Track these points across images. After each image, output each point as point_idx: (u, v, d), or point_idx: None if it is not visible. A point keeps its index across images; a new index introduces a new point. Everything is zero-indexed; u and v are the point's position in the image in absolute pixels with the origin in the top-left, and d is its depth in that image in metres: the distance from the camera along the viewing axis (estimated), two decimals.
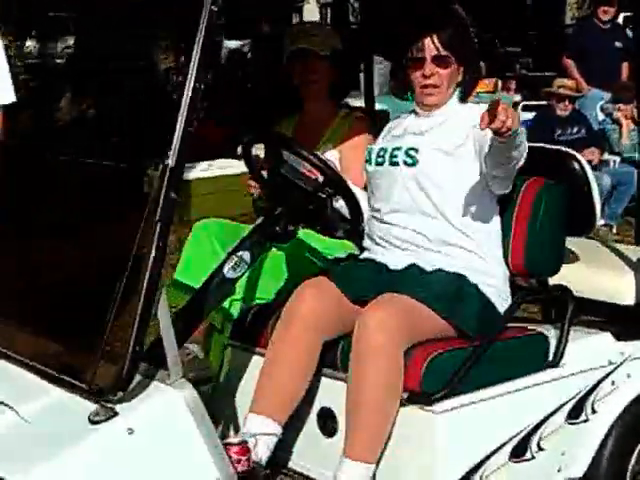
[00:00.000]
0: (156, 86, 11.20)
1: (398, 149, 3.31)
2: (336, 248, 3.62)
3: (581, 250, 3.75)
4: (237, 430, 3.23)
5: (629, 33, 9.18)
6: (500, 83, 10.54)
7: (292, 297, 3.12)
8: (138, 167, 2.76)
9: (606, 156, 8.51)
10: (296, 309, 3.08)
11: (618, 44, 9.22)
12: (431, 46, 3.25)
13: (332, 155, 3.73)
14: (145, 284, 2.35)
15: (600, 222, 7.81)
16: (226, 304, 3.55)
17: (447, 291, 3.07)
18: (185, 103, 2.36)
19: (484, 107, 3.13)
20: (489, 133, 2.88)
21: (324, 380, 3.17)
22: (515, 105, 9.61)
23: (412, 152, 3.26)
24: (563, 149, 3.56)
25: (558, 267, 3.35)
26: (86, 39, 11.77)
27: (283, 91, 3.95)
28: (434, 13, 3.37)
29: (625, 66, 9.32)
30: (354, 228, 3.07)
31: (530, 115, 8.79)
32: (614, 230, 8.16)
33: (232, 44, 17.84)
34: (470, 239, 3.22)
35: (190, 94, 2.36)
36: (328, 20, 22.84)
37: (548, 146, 3.59)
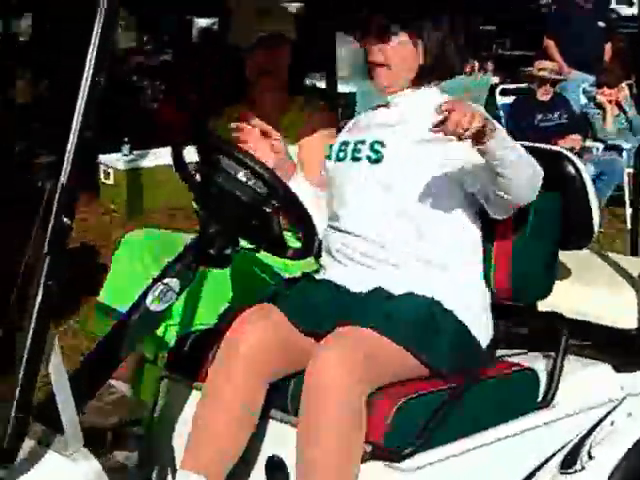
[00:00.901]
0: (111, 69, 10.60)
1: (362, 142, 2.82)
2: (294, 264, 3.11)
3: (571, 262, 3.26)
4: (174, 478, 2.73)
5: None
6: (477, 64, 10.01)
7: (232, 328, 2.61)
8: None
9: (588, 143, 8.03)
10: (235, 344, 2.57)
11: (601, 24, 8.75)
12: (380, 16, 2.76)
13: (290, 151, 3.22)
14: (31, 331, 1.83)
15: None
16: (160, 330, 3.04)
17: (417, 321, 2.56)
18: (80, 106, 1.82)
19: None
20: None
21: (272, 424, 2.67)
22: (493, 88, 9.08)
23: (377, 146, 2.77)
24: (555, 149, 3.05)
25: (549, 290, 2.86)
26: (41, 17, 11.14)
27: (235, 78, 3.44)
28: None
29: (608, 47, 8.88)
30: (306, 248, 2.54)
31: (509, 99, 8.30)
32: None
33: (202, 22, 17.21)
34: (445, 254, 2.71)
35: (86, 94, 1.82)
36: None
37: (538, 145, 3.07)
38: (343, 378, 2.39)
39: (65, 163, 1.84)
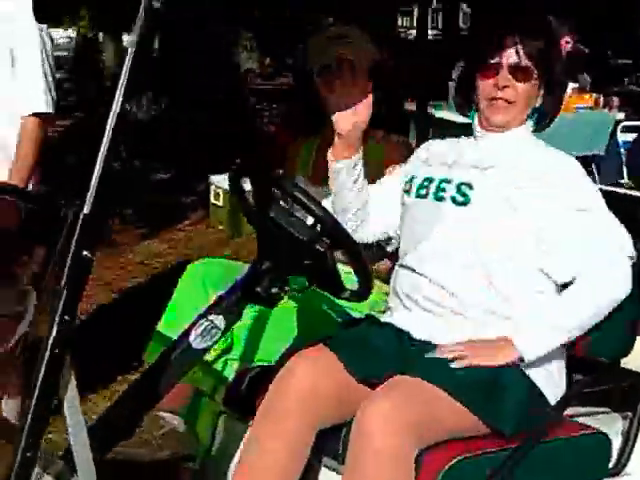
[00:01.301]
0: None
1: (448, 182, 2.66)
2: (363, 304, 2.97)
3: None
4: None
5: None
6: (602, 99, 9.68)
7: (284, 369, 2.50)
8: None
9: None
10: (285, 386, 2.46)
11: None
12: (512, 51, 2.60)
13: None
14: (41, 374, 1.75)
15: None
16: (219, 364, 2.95)
17: (480, 377, 2.40)
18: (107, 136, 1.75)
19: (560, 156, 2.64)
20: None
21: (324, 472, 2.55)
22: (617, 123, 8.77)
23: (465, 188, 2.62)
24: None
25: (628, 348, 2.65)
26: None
27: (307, 108, 3.30)
28: (524, 17, 2.76)
29: None
30: (362, 289, 2.40)
31: (631, 137, 7.97)
32: None
33: None
34: (518, 308, 2.55)
35: (114, 124, 1.75)
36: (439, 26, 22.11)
37: (624, 191, 2.88)
38: (391, 431, 2.25)
39: (89, 193, 1.77)
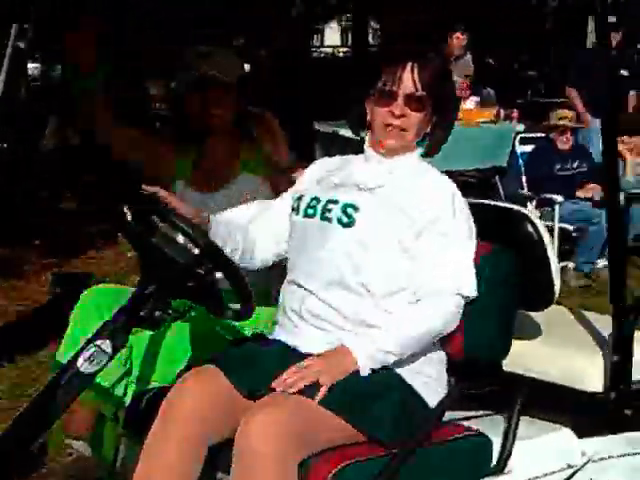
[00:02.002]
0: None
1: (334, 202, 2.74)
2: (252, 322, 3.07)
3: (543, 319, 3.19)
4: None
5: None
6: (502, 112, 9.91)
7: (171, 391, 2.57)
8: None
9: None
10: (170, 408, 2.53)
11: (624, 72, 8.65)
12: (409, 82, 2.70)
13: (258, 184, 3.38)
14: None
15: (602, 263, 7.25)
16: (120, 389, 3.02)
17: (352, 387, 2.49)
18: None
19: (442, 181, 2.76)
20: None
21: None
22: (517, 135, 9.00)
23: (350, 210, 2.70)
24: (514, 207, 2.99)
25: (504, 352, 2.79)
26: None
27: (180, 124, 3.48)
28: (421, 47, 2.82)
29: (632, 96, 8.77)
30: (244, 310, 2.49)
31: (529, 148, 8.21)
32: None
33: None
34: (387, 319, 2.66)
35: None
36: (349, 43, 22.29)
37: (496, 203, 3.03)
38: (272, 439, 2.33)
39: None
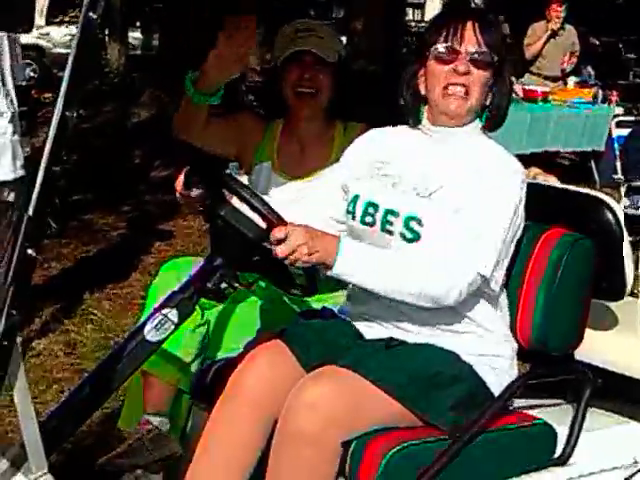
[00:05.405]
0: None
1: (394, 214, 2.57)
2: (325, 295, 3.07)
3: (620, 311, 3.12)
4: None
5: None
6: (600, 94, 9.70)
7: (240, 365, 2.59)
8: None
9: None
10: (240, 382, 2.54)
11: None
12: (472, 38, 2.58)
13: None
14: None
15: None
16: (197, 364, 3.04)
17: (418, 374, 2.44)
18: (50, 141, 1.85)
19: (502, 154, 2.60)
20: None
21: None
22: (614, 117, 8.80)
23: (414, 224, 2.54)
24: (593, 193, 2.92)
25: (576, 342, 2.75)
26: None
27: (271, 100, 3.35)
28: (481, 10, 2.79)
29: None
30: (308, 284, 2.50)
31: (626, 132, 8.00)
32: None
33: None
34: (469, 321, 2.59)
35: (56, 128, 1.85)
36: None
37: (575, 188, 2.96)
38: (315, 420, 2.32)
39: (33, 196, 1.88)
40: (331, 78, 3.23)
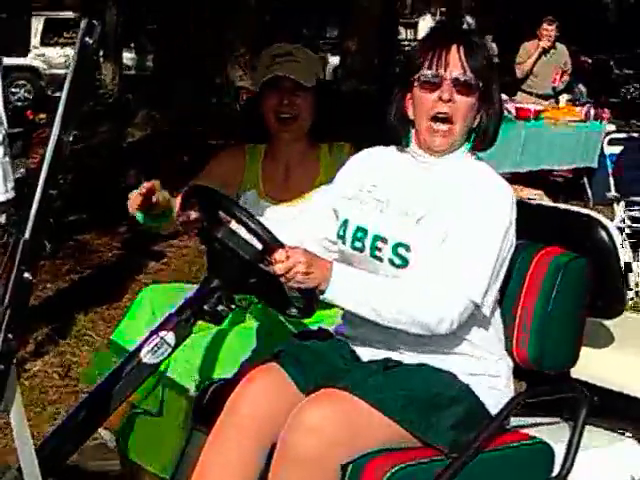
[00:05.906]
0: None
1: (383, 240, 2.57)
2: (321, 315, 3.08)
3: (615, 328, 3.13)
4: None
5: None
6: (592, 111, 9.73)
7: (236, 389, 2.58)
8: None
9: None
10: (236, 407, 2.53)
11: None
12: (457, 62, 2.55)
13: None
14: None
15: None
16: (183, 380, 3.05)
17: (416, 395, 2.45)
18: (47, 164, 1.86)
19: (490, 176, 2.59)
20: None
21: None
22: (606, 135, 8.82)
23: (402, 250, 2.54)
24: (586, 212, 2.93)
25: (572, 361, 2.75)
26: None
27: (252, 126, 3.36)
28: (466, 33, 2.70)
29: None
30: (306, 306, 2.50)
31: (617, 149, 8.01)
32: None
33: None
34: (465, 342, 2.59)
35: (53, 153, 1.86)
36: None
37: (568, 207, 2.98)
38: (315, 443, 2.32)
39: (29, 219, 1.88)
40: (311, 101, 3.26)
